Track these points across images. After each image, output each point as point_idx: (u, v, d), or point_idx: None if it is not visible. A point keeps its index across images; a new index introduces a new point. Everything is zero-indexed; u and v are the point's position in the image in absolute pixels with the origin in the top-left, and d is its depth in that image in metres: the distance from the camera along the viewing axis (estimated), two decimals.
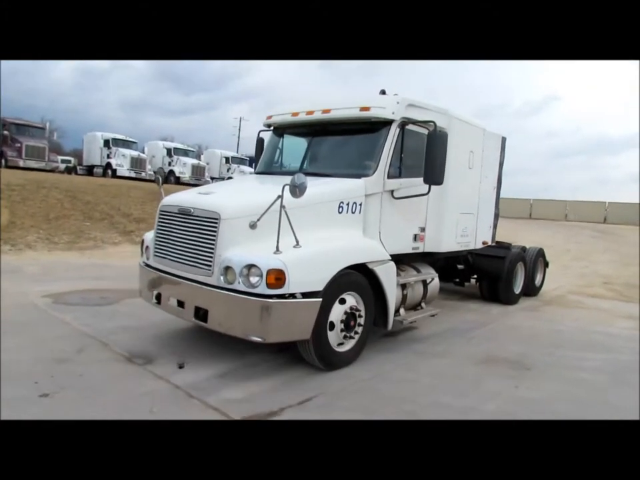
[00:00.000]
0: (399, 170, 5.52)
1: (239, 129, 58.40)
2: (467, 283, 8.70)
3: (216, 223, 4.36)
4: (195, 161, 28.14)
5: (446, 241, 6.55)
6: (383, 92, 5.96)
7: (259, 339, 4.13)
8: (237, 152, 40.56)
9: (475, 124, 7.18)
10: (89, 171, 27.23)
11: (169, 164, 27.83)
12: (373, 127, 5.51)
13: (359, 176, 5.28)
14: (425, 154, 5.37)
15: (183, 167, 27.32)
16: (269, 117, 6.44)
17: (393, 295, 5.23)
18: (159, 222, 5.03)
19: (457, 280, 8.52)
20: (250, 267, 4.12)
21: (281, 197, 4.04)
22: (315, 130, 6.00)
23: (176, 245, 4.75)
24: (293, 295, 4.18)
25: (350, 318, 4.73)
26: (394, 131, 5.43)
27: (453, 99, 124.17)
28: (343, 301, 4.69)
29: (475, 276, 8.55)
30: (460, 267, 7.92)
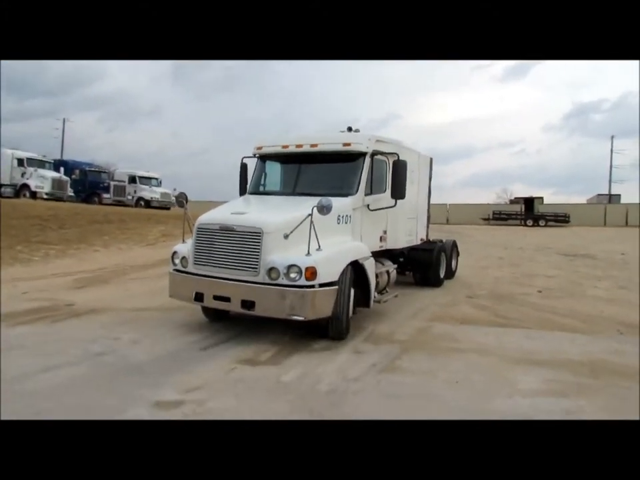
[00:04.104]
0: (370, 188, 7.23)
1: (63, 131, 51.28)
2: (407, 272, 10.60)
3: (259, 236, 5.66)
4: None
5: (400, 240, 8.70)
6: (350, 129, 8.03)
7: (301, 318, 5.46)
8: (61, 156, 36.58)
9: (413, 150, 9.34)
10: None
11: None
12: (351, 157, 7.22)
13: (346, 195, 6.89)
14: (392, 177, 7.38)
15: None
16: (259, 148, 7.89)
17: (373, 282, 6.74)
18: (199, 236, 6.13)
19: (399, 270, 9.51)
20: (290, 266, 5.48)
21: (311, 215, 5.44)
22: (301, 159, 7.54)
23: (218, 254, 5.92)
24: (320, 285, 5.52)
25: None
26: (368, 160, 7.17)
27: (304, 115, 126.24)
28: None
29: (409, 266, 10.39)
30: (401, 259, 9.61)
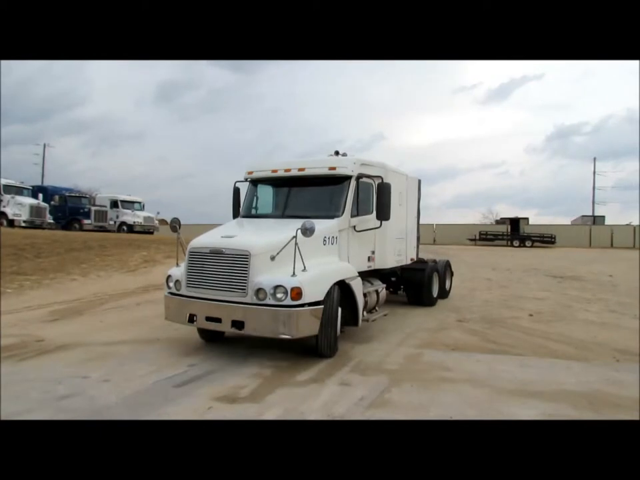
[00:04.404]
0: (356, 210, 7.42)
1: (43, 157, 50.52)
2: (399, 292, 10.92)
3: (247, 258, 5.85)
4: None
5: (389, 260, 8.79)
6: (337, 153, 8.27)
7: (288, 336, 5.62)
8: (42, 182, 36.02)
9: (401, 172, 9.56)
10: None
11: None
12: (337, 180, 7.41)
13: (332, 217, 7.09)
14: (376, 199, 7.55)
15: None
16: (250, 172, 8.16)
17: (361, 301, 6.91)
18: (190, 260, 6.32)
19: (391, 289, 10.53)
20: (277, 287, 5.66)
21: (295, 237, 5.66)
22: (290, 182, 7.82)
23: (209, 277, 6.10)
24: (306, 304, 5.71)
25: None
26: (353, 183, 7.37)
27: (290, 136, 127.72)
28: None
29: (402, 286, 10.71)
30: (393, 279, 10.12)
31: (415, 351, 6.74)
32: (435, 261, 11.56)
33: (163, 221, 57.52)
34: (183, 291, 6.31)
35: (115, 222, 28.76)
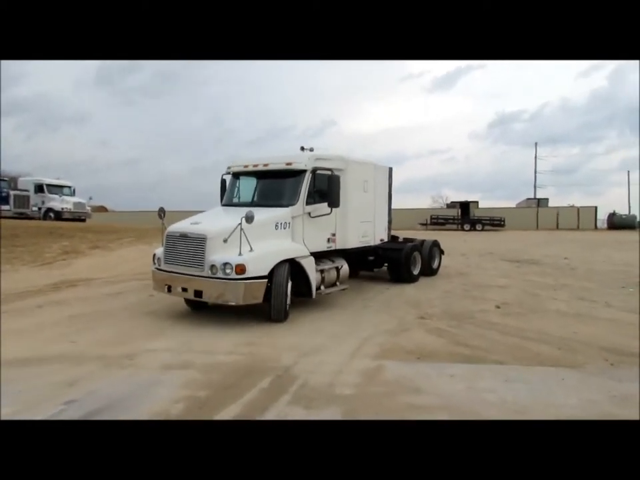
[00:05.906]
0: (313, 199, 8.61)
1: None
2: (376, 269, 11.88)
3: (204, 241, 7.22)
4: None
5: (350, 241, 9.78)
6: (302, 148, 9.43)
7: (234, 303, 7.04)
8: None
9: (366, 162, 10.79)
10: None
11: None
12: (295, 174, 8.67)
13: (287, 205, 8.31)
14: (328, 189, 8.66)
15: None
16: (229, 167, 9.66)
17: (313, 277, 8.11)
18: (167, 242, 7.78)
19: (368, 268, 11.78)
20: (225, 264, 6.97)
21: (240, 224, 6.92)
22: (259, 175, 9.32)
23: (179, 255, 7.57)
24: (250, 278, 6.97)
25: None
26: (308, 176, 8.59)
27: (247, 120, 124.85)
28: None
29: (386, 264, 11.68)
30: (370, 258, 11.26)
31: (373, 364, 5.41)
32: (422, 242, 12.56)
33: (101, 208, 53.59)
34: (163, 267, 7.79)
35: (40, 208, 25.87)
